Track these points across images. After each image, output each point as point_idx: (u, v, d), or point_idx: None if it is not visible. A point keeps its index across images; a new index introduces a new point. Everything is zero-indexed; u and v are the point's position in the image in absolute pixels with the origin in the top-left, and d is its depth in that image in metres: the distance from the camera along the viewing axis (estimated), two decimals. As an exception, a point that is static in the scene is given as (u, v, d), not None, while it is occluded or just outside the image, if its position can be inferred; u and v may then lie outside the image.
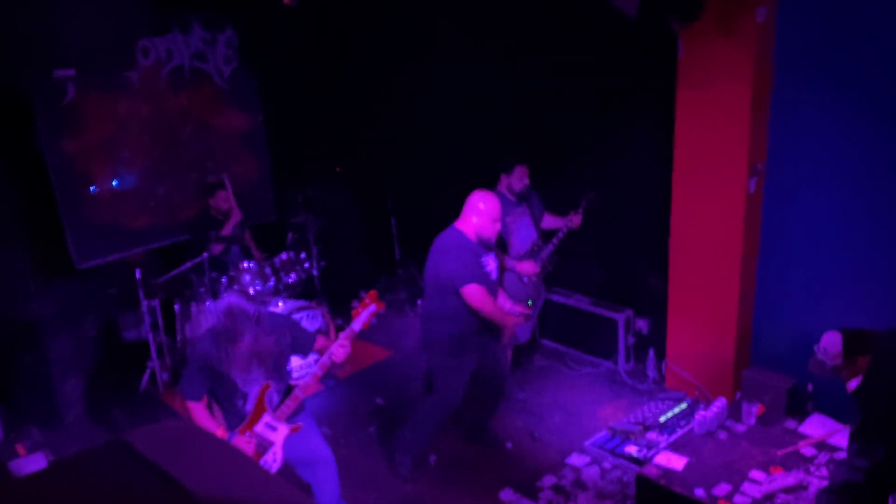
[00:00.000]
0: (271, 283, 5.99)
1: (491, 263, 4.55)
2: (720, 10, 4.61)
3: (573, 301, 6.19)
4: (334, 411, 5.66)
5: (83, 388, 5.84)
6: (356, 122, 7.45)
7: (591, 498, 4.52)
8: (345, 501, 4.25)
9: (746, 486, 3.92)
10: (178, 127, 6.28)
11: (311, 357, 5.52)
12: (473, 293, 4.33)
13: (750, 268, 5.07)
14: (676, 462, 4.14)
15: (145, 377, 5.97)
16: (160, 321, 6.00)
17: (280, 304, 5.84)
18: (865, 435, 3.33)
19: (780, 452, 4.18)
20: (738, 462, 4.13)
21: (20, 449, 4.98)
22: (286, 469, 3.95)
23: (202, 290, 5.79)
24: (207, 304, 5.77)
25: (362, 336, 3.91)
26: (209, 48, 6.33)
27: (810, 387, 4.71)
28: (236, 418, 3.87)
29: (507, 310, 4.78)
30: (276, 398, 3.91)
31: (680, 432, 4.72)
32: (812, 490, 3.84)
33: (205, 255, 5.68)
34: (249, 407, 3.85)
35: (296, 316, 5.72)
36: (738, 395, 4.98)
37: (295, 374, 5.63)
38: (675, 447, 4.32)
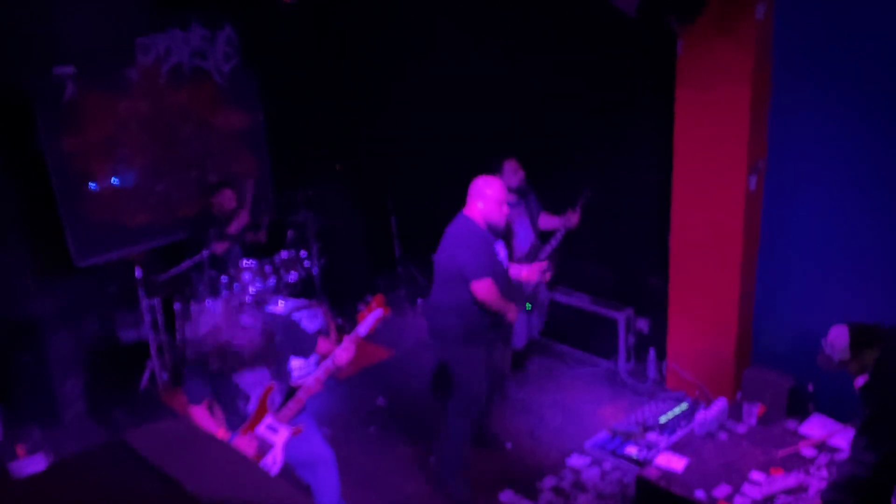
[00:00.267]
0: (271, 281, 5.99)
1: (502, 251, 4.49)
2: (720, 10, 4.60)
3: (573, 300, 6.18)
4: (335, 411, 5.66)
5: (83, 387, 5.83)
6: (356, 121, 7.44)
7: (591, 499, 4.52)
8: (345, 501, 4.24)
9: (746, 488, 3.92)
10: (178, 125, 6.28)
11: (312, 358, 5.51)
12: (484, 288, 4.26)
13: (750, 267, 5.06)
14: (676, 463, 4.14)
15: (145, 376, 5.97)
16: (160, 320, 5.99)
17: (280, 302, 5.83)
18: (873, 430, 3.32)
19: (780, 453, 4.17)
20: (739, 463, 4.13)
21: (20, 450, 4.97)
22: (286, 470, 3.94)
23: (202, 288, 5.78)
24: (207, 302, 5.77)
25: (364, 337, 3.91)
26: (209, 46, 6.33)
27: (811, 387, 4.71)
28: (237, 419, 3.86)
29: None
30: (277, 399, 3.91)
31: (680, 433, 4.72)
32: (812, 491, 3.83)
33: (204, 253, 5.67)
34: (251, 408, 3.84)
35: (296, 315, 5.72)
36: (739, 394, 4.98)
37: (295, 375, 5.63)
38: (675, 448, 4.31)
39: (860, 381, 3.49)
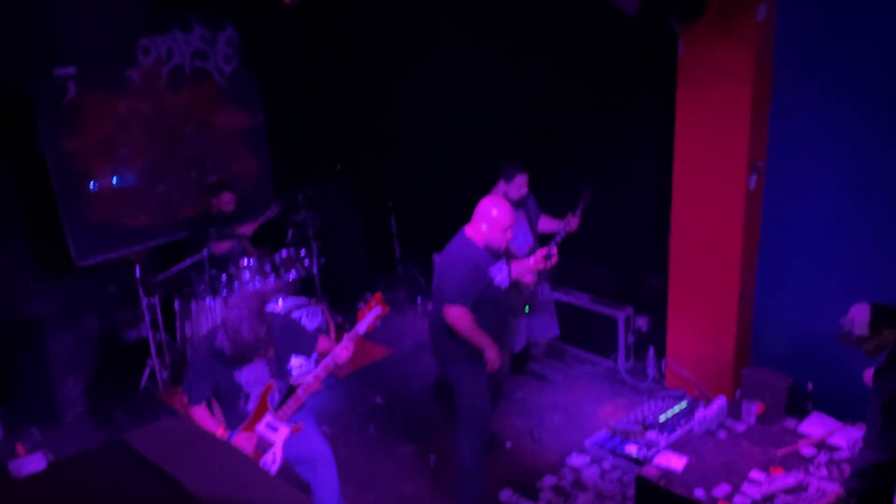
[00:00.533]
0: (271, 280, 5.99)
1: (501, 272, 4.32)
2: (720, 10, 4.60)
3: (573, 299, 6.18)
4: (334, 410, 5.66)
5: (83, 386, 5.84)
6: (356, 121, 7.45)
7: (591, 499, 4.52)
8: (344, 501, 4.25)
9: (746, 487, 3.92)
10: (179, 125, 6.28)
11: (312, 356, 5.52)
12: (455, 314, 4.10)
13: (750, 266, 5.07)
14: (676, 462, 4.14)
15: (145, 375, 5.98)
16: (160, 319, 6.00)
17: (280, 301, 5.84)
18: (893, 412, 3.34)
19: (779, 452, 4.18)
20: (738, 462, 4.13)
21: (20, 449, 4.98)
22: (285, 467, 3.95)
23: (202, 287, 5.79)
24: (207, 301, 5.78)
25: (363, 335, 3.92)
26: (209, 47, 6.34)
27: (810, 386, 4.72)
28: (237, 418, 3.87)
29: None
30: (277, 398, 3.92)
31: (680, 431, 4.72)
32: (812, 490, 3.84)
33: (204, 252, 5.68)
34: (251, 406, 3.85)
35: (295, 313, 5.73)
36: (738, 393, 4.99)
37: (294, 373, 5.63)
38: (674, 447, 4.31)
39: (869, 374, 3.54)
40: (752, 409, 4.53)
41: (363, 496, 4.64)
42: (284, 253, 6.17)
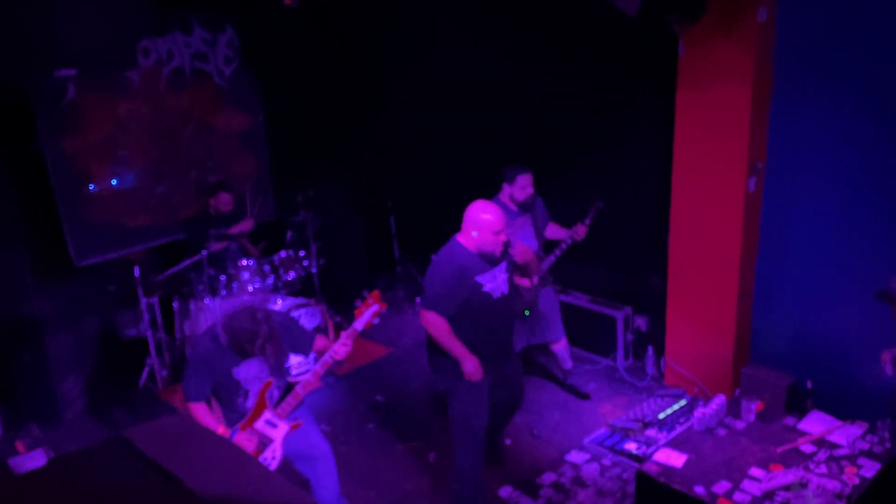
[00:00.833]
0: (270, 280, 6.00)
1: (495, 279, 4.10)
2: (721, 11, 4.61)
3: (572, 298, 6.19)
4: (333, 408, 5.67)
5: (83, 385, 5.85)
6: (356, 121, 7.46)
7: (591, 495, 4.53)
8: (344, 498, 4.26)
9: (746, 484, 3.92)
10: (179, 127, 6.30)
11: (310, 355, 5.53)
12: (428, 320, 3.99)
13: (749, 266, 5.07)
14: (676, 459, 4.14)
15: (144, 374, 5.99)
16: (159, 319, 6.01)
17: (279, 301, 5.85)
18: None
19: (779, 450, 4.18)
20: (738, 459, 4.13)
21: (20, 446, 4.99)
22: (285, 464, 3.96)
23: (201, 287, 5.80)
24: (206, 301, 5.79)
25: (362, 333, 3.93)
26: (209, 48, 6.35)
27: (809, 384, 4.72)
28: (236, 415, 3.88)
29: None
30: (276, 395, 3.93)
31: (679, 429, 4.73)
32: (812, 487, 3.84)
33: (203, 252, 5.69)
34: (250, 404, 3.86)
35: (294, 313, 5.73)
36: (738, 391, 4.99)
37: (294, 371, 5.65)
38: (674, 444, 4.32)
39: (887, 355, 3.81)
40: (752, 407, 4.53)
41: (363, 493, 4.64)
42: (284, 253, 6.17)
